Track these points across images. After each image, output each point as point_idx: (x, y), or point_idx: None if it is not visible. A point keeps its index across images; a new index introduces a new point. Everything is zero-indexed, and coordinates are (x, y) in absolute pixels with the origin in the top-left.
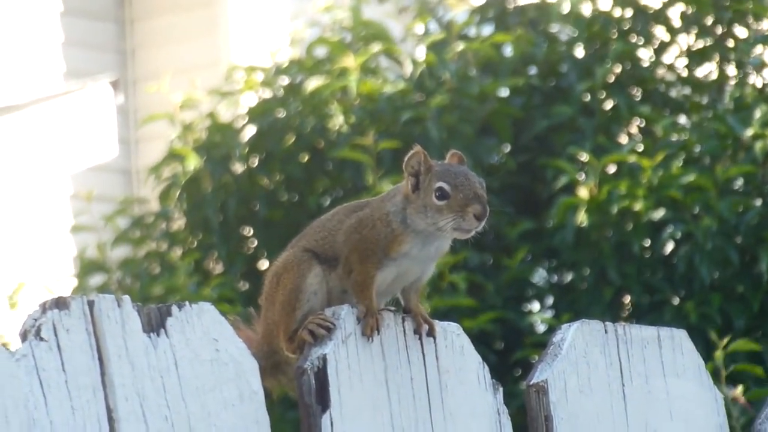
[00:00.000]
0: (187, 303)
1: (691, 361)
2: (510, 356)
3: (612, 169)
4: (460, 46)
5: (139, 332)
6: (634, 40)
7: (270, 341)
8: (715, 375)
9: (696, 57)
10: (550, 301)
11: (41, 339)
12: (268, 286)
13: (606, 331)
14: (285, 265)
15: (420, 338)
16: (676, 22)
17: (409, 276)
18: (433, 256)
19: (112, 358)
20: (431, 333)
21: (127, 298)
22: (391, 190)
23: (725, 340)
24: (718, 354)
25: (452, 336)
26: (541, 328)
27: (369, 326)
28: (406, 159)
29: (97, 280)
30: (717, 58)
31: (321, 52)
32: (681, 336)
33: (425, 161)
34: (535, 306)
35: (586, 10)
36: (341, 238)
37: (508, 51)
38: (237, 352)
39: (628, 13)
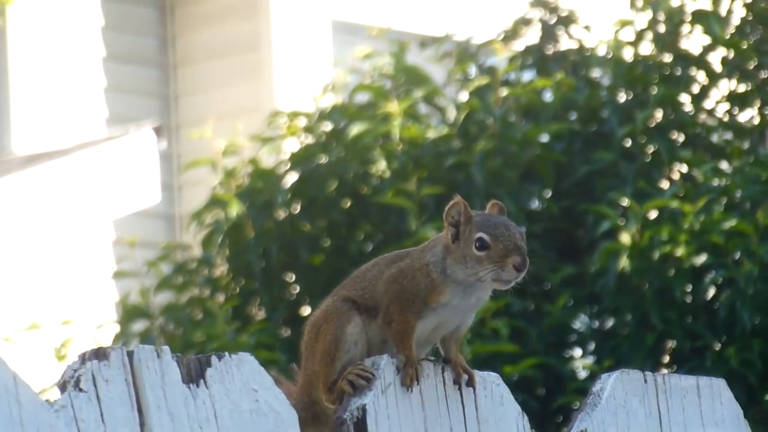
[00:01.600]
0: (226, 353)
1: (729, 411)
2: (552, 402)
3: (653, 214)
4: (504, 92)
5: (178, 383)
6: (674, 85)
7: (310, 392)
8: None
9: (737, 102)
10: (591, 346)
11: (80, 390)
12: (308, 336)
13: (645, 381)
14: (325, 315)
15: (459, 388)
16: (717, 67)
17: (449, 326)
18: (473, 306)
19: (151, 409)
20: (471, 383)
21: (166, 348)
22: (432, 240)
23: None
24: None
25: (492, 385)
26: (582, 374)
27: (408, 376)
28: (446, 209)
29: (139, 326)
30: (758, 102)
31: (363, 98)
32: (720, 385)
33: (465, 211)
34: (577, 352)
35: (627, 54)
36: (381, 288)
37: (549, 96)
38: (276, 403)
39: (668, 57)
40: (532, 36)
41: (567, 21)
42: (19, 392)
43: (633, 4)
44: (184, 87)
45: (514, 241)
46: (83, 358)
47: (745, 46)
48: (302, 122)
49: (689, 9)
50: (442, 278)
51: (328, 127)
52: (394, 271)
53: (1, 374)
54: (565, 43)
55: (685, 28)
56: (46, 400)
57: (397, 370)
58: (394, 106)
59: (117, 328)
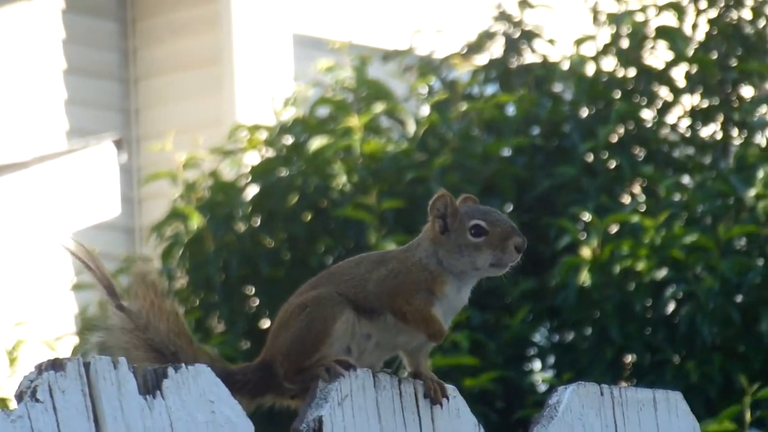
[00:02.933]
0: (183, 365)
1: (686, 424)
2: (511, 415)
3: (614, 228)
4: (464, 106)
5: (135, 394)
6: (637, 101)
7: (271, 366)
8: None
9: (699, 117)
10: (551, 360)
11: (37, 400)
12: (289, 315)
13: (602, 394)
14: (317, 300)
15: (433, 403)
16: (680, 82)
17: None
18: (459, 308)
19: (107, 420)
20: (444, 394)
21: (123, 359)
22: (411, 242)
23: (755, 387)
24: (747, 399)
25: (448, 398)
26: (542, 387)
27: (432, 390)
28: (431, 202)
29: (96, 339)
30: (721, 118)
31: (324, 111)
32: (676, 398)
33: (451, 203)
34: (537, 365)
35: (590, 70)
36: (373, 289)
37: (512, 110)
38: (233, 414)
39: (631, 72)
40: (495, 50)
41: (530, 35)
42: None
43: (596, 19)
44: (145, 100)
45: (509, 224)
46: (40, 369)
47: (708, 62)
48: (263, 135)
49: (653, 24)
50: (440, 269)
51: (288, 140)
52: (384, 271)
53: None
54: (529, 57)
55: (649, 43)
56: (3, 410)
57: (425, 395)
58: (354, 121)
59: (76, 341)
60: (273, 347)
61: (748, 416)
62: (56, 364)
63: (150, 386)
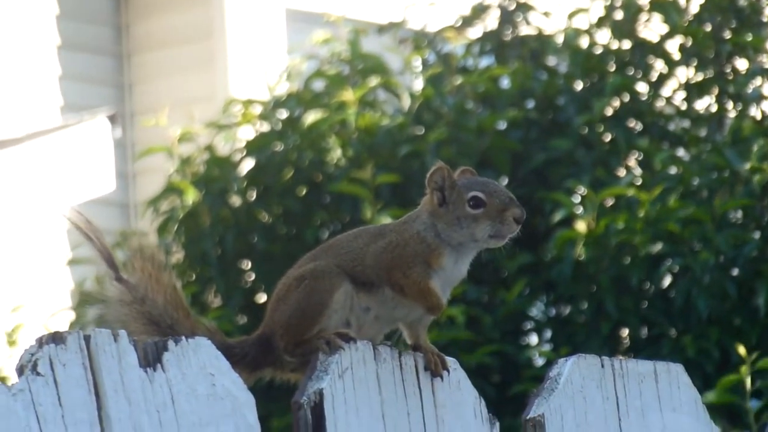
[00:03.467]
0: (183, 338)
1: (687, 396)
2: (508, 390)
3: (610, 202)
4: (459, 80)
5: (135, 367)
6: (632, 73)
7: (269, 339)
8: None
9: (695, 90)
10: (548, 334)
11: (38, 374)
12: (286, 289)
13: (603, 366)
14: (314, 273)
15: (434, 375)
16: (675, 55)
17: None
18: (457, 278)
19: (108, 393)
20: (445, 366)
21: (123, 332)
22: (409, 215)
23: (754, 356)
24: (744, 369)
25: (449, 370)
26: (539, 361)
27: (432, 363)
28: (429, 175)
29: (94, 312)
30: (716, 90)
31: (319, 85)
32: (678, 370)
33: (449, 175)
34: (533, 339)
35: (584, 42)
36: (370, 262)
37: (506, 83)
38: (233, 387)
39: (626, 45)
40: (490, 22)
41: (526, 7)
42: None
43: None
44: (139, 75)
45: (508, 195)
46: (40, 342)
47: (702, 35)
48: (257, 110)
49: None
50: (438, 241)
51: (283, 114)
52: (382, 244)
53: None
54: (524, 29)
55: (643, 16)
56: (4, 384)
57: (425, 368)
58: (349, 95)
59: (72, 316)
60: (271, 320)
61: (748, 384)
62: (57, 338)
63: (150, 359)
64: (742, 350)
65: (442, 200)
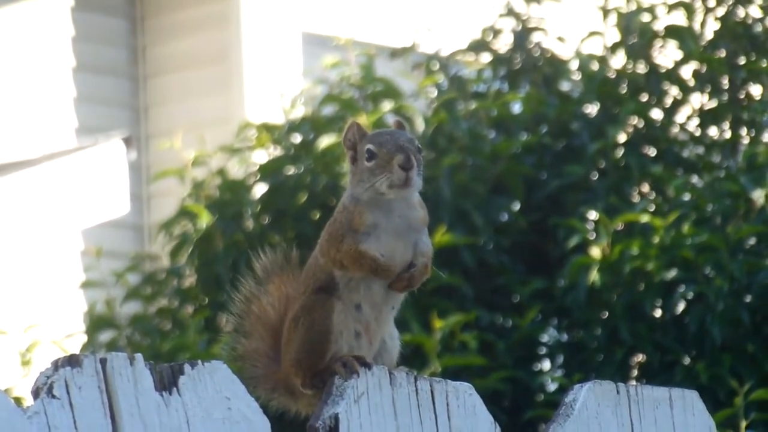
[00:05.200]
0: (199, 361)
1: (702, 422)
2: (521, 416)
3: (624, 228)
4: (473, 105)
5: (151, 390)
6: (646, 99)
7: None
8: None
9: (708, 116)
10: (560, 360)
11: (53, 396)
12: (288, 332)
13: (618, 392)
14: (304, 308)
15: (432, 399)
16: (690, 81)
17: (399, 256)
18: (409, 228)
19: (124, 416)
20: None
21: (139, 356)
22: None
23: (746, 387)
24: (738, 400)
25: (464, 396)
26: (551, 387)
27: (405, 279)
28: (343, 134)
29: (106, 336)
30: (730, 117)
31: (331, 109)
32: (692, 397)
33: (359, 130)
34: (546, 365)
35: (597, 67)
36: (321, 259)
37: (518, 108)
38: (249, 411)
39: (640, 70)
40: (502, 46)
41: (538, 31)
42: None
43: (605, 17)
44: (154, 98)
45: (396, 143)
46: (56, 365)
47: (716, 62)
48: (272, 134)
49: (663, 23)
50: (354, 203)
51: (297, 138)
52: (321, 237)
53: None
54: (537, 54)
55: (658, 42)
56: (20, 407)
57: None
58: (363, 120)
59: (84, 338)
60: (284, 366)
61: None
62: (73, 361)
63: (166, 383)
64: (734, 383)
65: (354, 158)
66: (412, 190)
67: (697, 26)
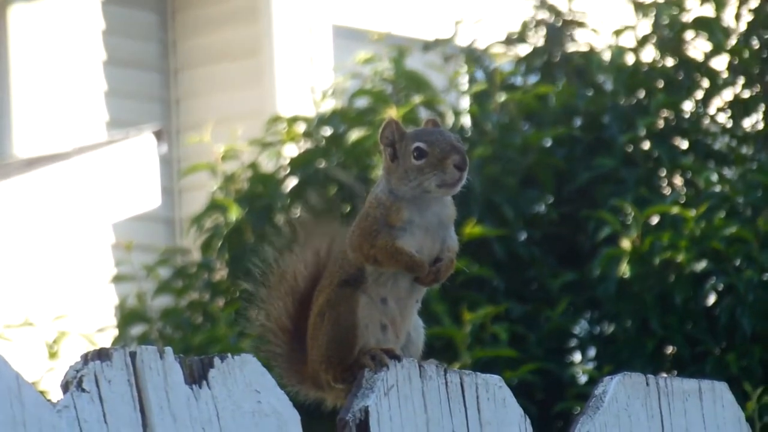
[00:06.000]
0: (229, 355)
1: (731, 414)
2: (551, 408)
3: (655, 220)
4: (503, 97)
5: (181, 384)
6: (677, 91)
7: (315, 377)
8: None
9: (741, 108)
10: (591, 352)
11: (83, 390)
12: (313, 327)
13: (647, 384)
14: (329, 302)
15: (462, 391)
16: (721, 73)
17: (428, 251)
18: (440, 225)
19: (154, 410)
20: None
21: (169, 349)
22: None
23: (759, 391)
24: (751, 404)
25: (494, 388)
26: (582, 379)
27: (432, 273)
28: (380, 131)
29: (137, 329)
30: (763, 108)
31: (362, 102)
32: (722, 388)
33: (398, 128)
34: (577, 357)
35: (629, 60)
36: (350, 253)
37: (551, 100)
38: (278, 404)
39: (670, 63)
40: (537, 39)
41: (573, 24)
42: (21, 392)
43: (637, 10)
44: (185, 91)
45: (450, 143)
46: (86, 359)
47: (747, 54)
48: (302, 127)
49: (693, 15)
50: (392, 199)
51: (327, 132)
52: (350, 230)
53: (4, 374)
54: (571, 47)
55: (688, 34)
56: (49, 401)
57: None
58: (393, 113)
59: (116, 332)
60: (311, 361)
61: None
62: (102, 354)
63: (196, 376)
64: (748, 386)
65: (393, 155)
66: (458, 190)
67: (727, 18)
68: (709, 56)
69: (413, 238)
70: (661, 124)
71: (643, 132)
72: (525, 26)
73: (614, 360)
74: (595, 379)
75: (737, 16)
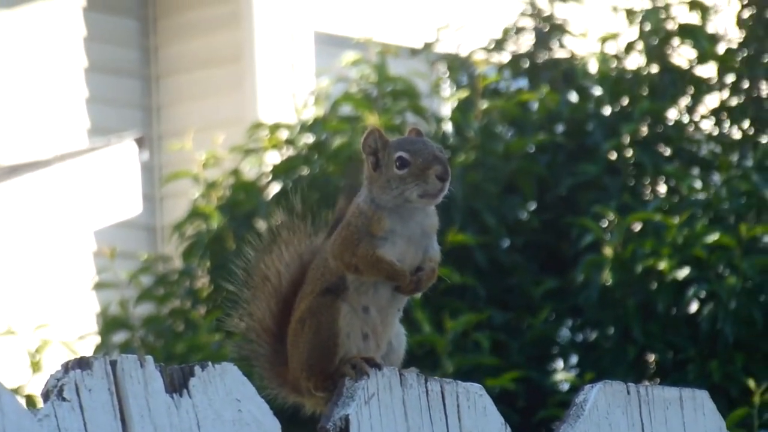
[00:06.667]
0: (209, 363)
1: (712, 422)
2: (533, 415)
3: (637, 227)
4: (485, 104)
5: (161, 392)
6: (661, 99)
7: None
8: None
9: (727, 114)
10: (573, 359)
11: (63, 399)
12: (294, 333)
13: (628, 392)
14: (310, 309)
15: (443, 400)
16: (706, 80)
17: (410, 261)
18: (423, 235)
19: (134, 418)
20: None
21: (150, 358)
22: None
23: (763, 387)
24: (756, 398)
25: (475, 396)
26: (564, 386)
27: (413, 283)
28: (362, 140)
29: (119, 337)
30: (749, 116)
31: (346, 110)
32: (703, 397)
33: (381, 137)
34: (559, 364)
35: (613, 67)
36: (331, 262)
37: (535, 106)
38: (259, 413)
39: (655, 70)
40: (524, 44)
41: (560, 30)
42: (2, 401)
43: (629, 15)
44: (167, 98)
45: (432, 153)
46: (66, 368)
47: (738, 63)
48: (284, 134)
49: (678, 22)
50: (373, 208)
51: (309, 139)
52: (332, 238)
53: None
54: (558, 52)
55: (674, 41)
56: (29, 409)
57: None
58: (374, 120)
59: (98, 340)
60: (292, 368)
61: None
62: (83, 363)
63: (177, 384)
64: (751, 383)
65: (375, 164)
66: (439, 200)
67: (714, 26)
68: (694, 63)
69: (394, 247)
70: (644, 131)
71: (627, 139)
72: (506, 33)
73: (596, 367)
74: (577, 387)
75: (738, 23)
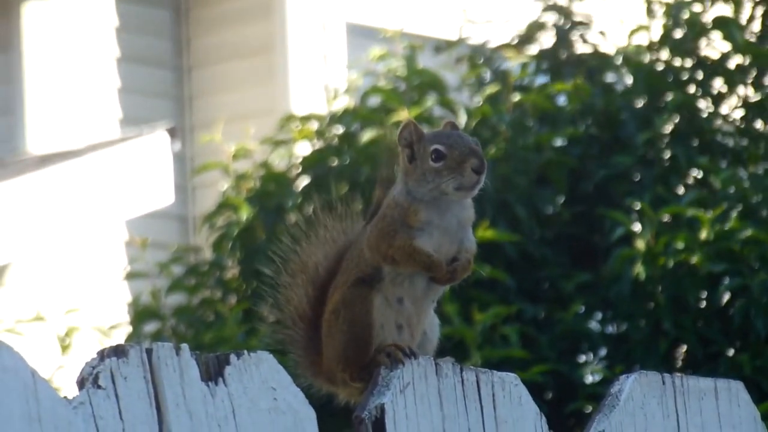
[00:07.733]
0: (245, 352)
1: (747, 413)
2: (562, 408)
3: (670, 220)
4: (516, 97)
5: (197, 381)
6: (693, 91)
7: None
8: None
9: (754, 108)
10: (603, 352)
11: (99, 387)
12: (328, 324)
13: (663, 383)
14: (344, 301)
15: (478, 389)
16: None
17: (446, 252)
18: (459, 227)
19: (170, 407)
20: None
21: (185, 346)
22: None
23: None
24: None
25: (510, 386)
26: (592, 379)
27: (448, 273)
28: (398, 132)
29: (150, 327)
30: None
31: (375, 101)
32: (738, 387)
33: (416, 130)
34: (589, 357)
35: (646, 59)
36: (367, 253)
37: (562, 100)
38: (294, 401)
39: (688, 63)
40: (546, 40)
41: (582, 26)
42: (37, 389)
43: (650, 11)
44: (199, 89)
45: (468, 147)
46: (102, 355)
47: (762, 54)
48: (314, 126)
49: (710, 15)
50: (410, 200)
51: (339, 130)
52: (368, 230)
53: (20, 371)
54: (580, 48)
55: (705, 34)
56: (65, 397)
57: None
58: (404, 114)
59: (129, 329)
60: (327, 359)
61: None
62: (119, 351)
63: (212, 373)
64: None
65: (411, 156)
66: (475, 193)
67: (744, 18)
68: (725, 56)
69: (431, 238)
70: (677, 123)
71: (664, 130)
72: (530, 28)
73: (626, 360)
74: (608, 379)
75: (751, 18)
